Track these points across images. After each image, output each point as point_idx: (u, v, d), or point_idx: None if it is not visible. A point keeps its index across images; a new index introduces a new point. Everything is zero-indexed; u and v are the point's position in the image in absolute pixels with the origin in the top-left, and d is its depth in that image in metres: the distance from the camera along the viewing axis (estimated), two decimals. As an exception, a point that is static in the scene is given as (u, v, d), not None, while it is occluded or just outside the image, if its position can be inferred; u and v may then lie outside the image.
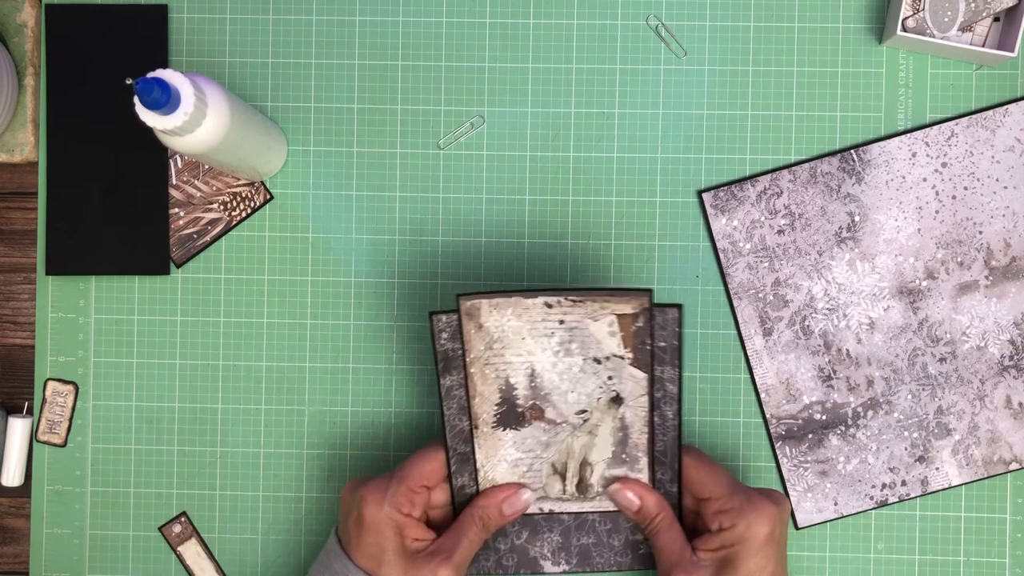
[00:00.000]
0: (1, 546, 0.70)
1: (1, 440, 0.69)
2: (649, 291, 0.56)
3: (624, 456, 0.60)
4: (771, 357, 0.68)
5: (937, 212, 0.68)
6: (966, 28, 0.67)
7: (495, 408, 0.60)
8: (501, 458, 0.61)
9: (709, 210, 0.68)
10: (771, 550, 0.59)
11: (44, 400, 0.69)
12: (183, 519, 0.69)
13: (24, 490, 0.70)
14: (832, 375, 0.68)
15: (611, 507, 0.62)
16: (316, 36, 0.69)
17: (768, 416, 0.68)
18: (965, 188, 0.67)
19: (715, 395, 0.68)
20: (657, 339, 0.57)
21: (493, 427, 0.60)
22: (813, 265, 0.68)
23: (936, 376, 0.68)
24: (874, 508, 0.68)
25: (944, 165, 0.68)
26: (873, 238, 0.68)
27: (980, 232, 0.67)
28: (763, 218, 0.68)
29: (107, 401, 0.69)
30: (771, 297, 0.68)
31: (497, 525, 0.61)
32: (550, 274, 0.68)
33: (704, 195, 0.68)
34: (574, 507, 0.62)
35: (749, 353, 0.68)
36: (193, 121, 0.54)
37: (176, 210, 0.69)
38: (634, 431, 0.60)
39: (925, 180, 0.68)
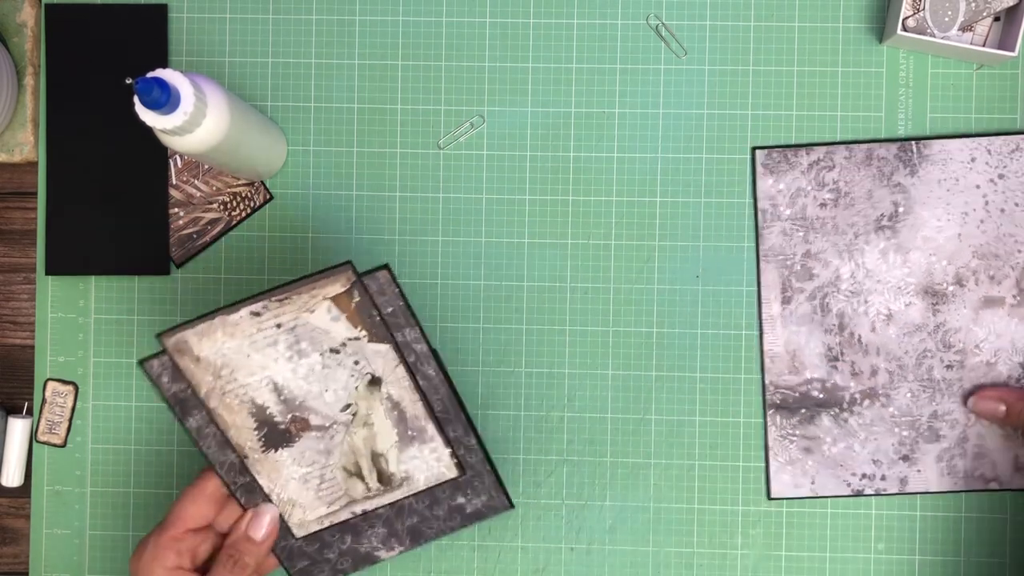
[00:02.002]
0: (1, 546, 0.70)
1: (1, 440, 0.69)
2: (348, 263, 0.54)
3: (411, 432, 0.58)
4: (784, 326, 0.68)
5: (982, 221, 0.67)
6: (966, 28, 0.67)
7: (255, 434, 0.57)
8: (287, 477, 0.58)
9: (759, 168, 0.67)
10: None
11: (44, 400, 0.69)
12: (183, 519, 0.69)
13: (24, 490, 0.70)
14: (839, 357, 0.68)
15: (421, 487, 0.60)
16: (316, 36, 0.69)
17: (767, 382, 0.68)
18: (1016, 204, 0.67)
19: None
20: (382, 306, 0.55)
21: (263, 451, 0.57)
22: (847, 245, 0.67)
23: (939, 381, 0.67)
24: (849, 495, 0.67)
25: (1001, 176, 0.67)
26: (912, 232, 0.67)
27: (1019, 251, 0.67)
28: (809, 188, 0.67)
29: (107, 401, 0.69)
30: (798, 267, 0.67)
31: (258, 555, 0.58)
32: (550, 274, 0.68)
33: (758, 152, 0.67)
34: (386, 499, 0.60)
35: (764, 317, 0.68)
36: (193, 121, 0.54)
37: (176, 210, 0.69)
38: (407, 404, 0.58)
39: (978, 187, 0.67)
